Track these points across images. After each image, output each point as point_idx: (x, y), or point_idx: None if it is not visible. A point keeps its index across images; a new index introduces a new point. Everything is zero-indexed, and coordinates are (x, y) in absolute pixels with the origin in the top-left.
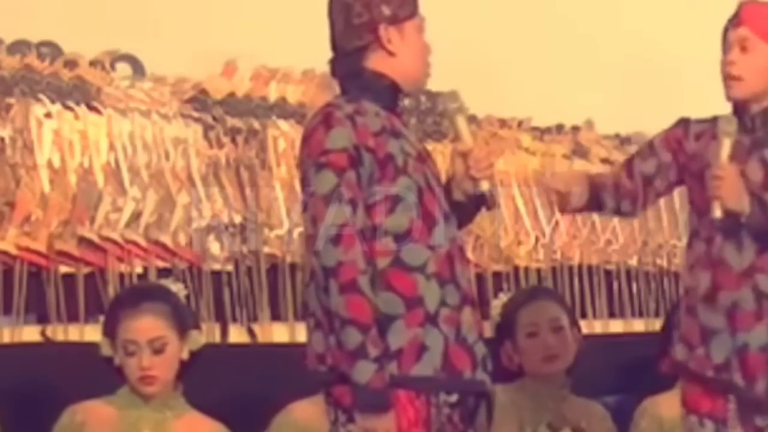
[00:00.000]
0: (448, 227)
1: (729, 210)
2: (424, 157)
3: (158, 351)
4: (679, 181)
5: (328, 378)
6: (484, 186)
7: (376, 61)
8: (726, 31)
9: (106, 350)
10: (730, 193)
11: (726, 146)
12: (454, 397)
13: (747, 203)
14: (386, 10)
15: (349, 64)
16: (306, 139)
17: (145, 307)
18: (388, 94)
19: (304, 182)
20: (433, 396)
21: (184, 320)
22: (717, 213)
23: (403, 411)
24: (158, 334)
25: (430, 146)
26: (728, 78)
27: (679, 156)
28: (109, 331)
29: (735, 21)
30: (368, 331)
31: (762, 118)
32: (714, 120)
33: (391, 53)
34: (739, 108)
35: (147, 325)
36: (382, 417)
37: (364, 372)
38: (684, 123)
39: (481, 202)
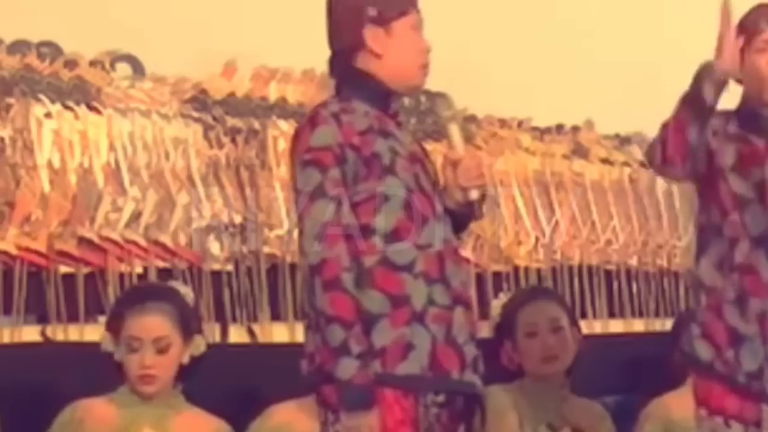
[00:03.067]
0: (441, 228)
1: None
2: (417, 158)
3: (162, 351)
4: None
5: (316, 377)
6: (474, 195)
7: (364, 62)
8: (754, 32)
9: (107, 345)
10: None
11: None
12: (442, 397)
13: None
14: (372, 11)
15: (340, 64)
16: (294, 139)
17: (153, 306)
18: (378, 94)
19: (293, 181)
20: (422, 395)
21: (189, 324)
22: None
23: (389, 410)
24: (163, 333)
25: (429, 146)
26: None
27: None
28: (113, 327)
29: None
30: (351, 328)
31: None
32: (724, 116)
33: (377, 55)
34: (747, 112)
35: (153, 323)
36: (366, 414)
37: (346, 369)
38: None
39: (472, 210)
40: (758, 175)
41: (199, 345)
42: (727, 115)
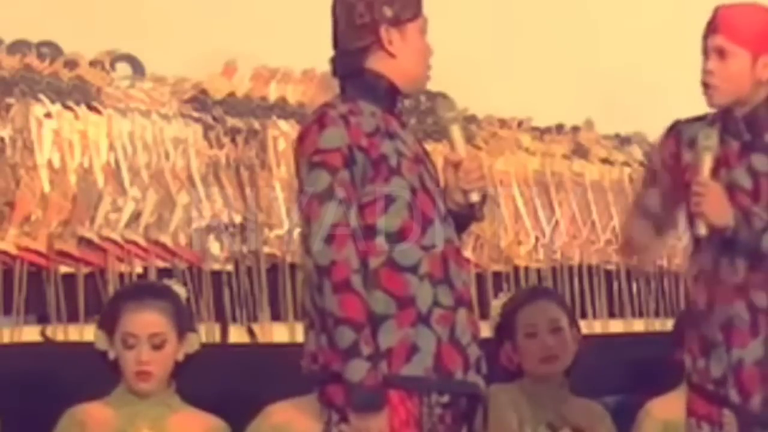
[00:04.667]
0: (444, 228)
1: (713, 226)
2: (420, 158)
3: (158, 347)
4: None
5: (320, 377)
6: (474, 197)
7: (376, 62)
8: (705, 37)
9: (101, 344)
10: (713, 209)
11: (707, 161)
12: (446, 398)
13: (731, 218)
14: (388, 12)
15: (349, 63)
16: (300, 139)
17: (149, 303)
18: (387, 95)
19: (300, 182)
20: (425, 396)
21: (184, 321)
22: (701, 230)
23: (394, 411)
24: (159, 330)
25: (430, 146)
26: (707, 87)
27: (676, 172)
28: (108, 324)
29: (711, 28)
30: (361, 330)
31: (747, 121)
32: (707, 119)
33: (391, 54)
34: (724, 113)
35: (149, 320)
36: (376, 416)
37: (357, 370)
38: (676, 130)
39: (473, 212)
40: (725, 177)
41: (193, 343)
42: (713, 118)
